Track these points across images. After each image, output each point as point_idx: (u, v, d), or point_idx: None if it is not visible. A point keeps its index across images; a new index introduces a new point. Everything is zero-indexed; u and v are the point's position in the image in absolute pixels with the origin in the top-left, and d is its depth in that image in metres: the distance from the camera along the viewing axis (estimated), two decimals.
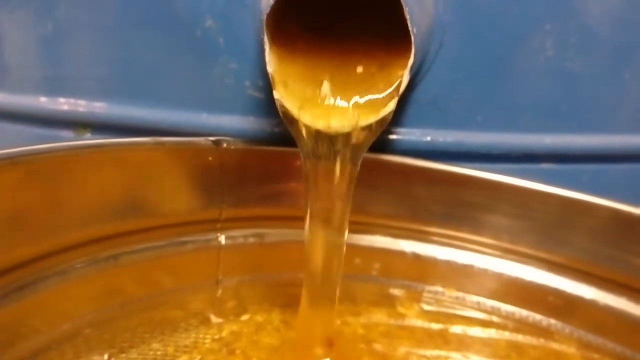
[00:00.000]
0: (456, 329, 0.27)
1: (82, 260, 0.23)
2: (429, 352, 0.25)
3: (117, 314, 0.24)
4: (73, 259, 0.22)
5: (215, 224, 0.26)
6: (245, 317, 0.26)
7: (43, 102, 0.28)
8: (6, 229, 0.20)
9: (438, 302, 0.28)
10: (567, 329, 0.26)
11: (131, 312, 0.24)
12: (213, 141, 0.25)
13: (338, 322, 0.24)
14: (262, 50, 0.20)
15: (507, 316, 0.27)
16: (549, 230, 0.26)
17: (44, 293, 0.21)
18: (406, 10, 0.19)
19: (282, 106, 0.20)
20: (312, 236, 0.22)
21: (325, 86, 0.21)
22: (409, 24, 0.19)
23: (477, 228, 0.27)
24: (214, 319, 0.26)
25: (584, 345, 0.26)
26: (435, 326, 0.27)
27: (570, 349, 0.26)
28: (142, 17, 0.26)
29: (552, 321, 0.27)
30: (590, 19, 0.27)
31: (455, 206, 0.27)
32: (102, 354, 0.23)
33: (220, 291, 0.27)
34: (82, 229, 0.22)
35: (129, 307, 0.24)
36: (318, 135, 0.21)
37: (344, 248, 0.22)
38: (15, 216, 0.20)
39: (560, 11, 0.26)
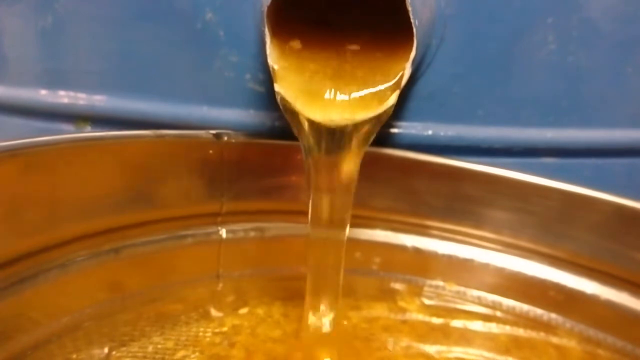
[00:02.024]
0: (457, 323, 0.27)
1: (83, 253, 0.23)
2: (430, 347, 0.25)
3: (117, 308, 0.24)
4: (73, 252, 0.22)
5: (216, 218, 0.26)
6: (246, 311, 0.26)
7: (43, 95, 0.28)
8: (6, 221, 0.20)
9: (439, 296, 0.28)
10: (568, 323, 0.26)
11: (132, 305, 0.24)
12: (214, 134, 0.25)
13: (340, 316, 0.24)
14: (263, 43, 0.20)
15: (508, 311, 0.27)
16: (550, 224, 0.26)
17: (44, 286, 0.21)
18: (408, 2, 0.19)
19: (283, 99, 0.20)
20: (314, 230, 0.22)
21: (327, 79, 0.21)
22: (411, 17, 0.19)
23: (478, 222, 0.27)
24: (215, 312, 0.26)
25: (585, 340, 0.26)
26: (436, 320, 0.27)
27: (571, 343, 0.26)
28: (143, 9, 0.26)
29: (553, 316, 0.27)
30: (593, 13, 0.26)
31: (456, 200, 0.27)
32: (102, 348, 0.23)
33: (220, 285, 0.27)
34: (83, 222, 0.22)
35: (129, 301, 0.24)
36: (319, 129, 0.20)
37: (345, 242, 0.22)
38: (16, 209, 0.20)
39: (562, 5, 0.26)
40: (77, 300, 0.23)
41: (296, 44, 0.21)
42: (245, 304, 0.26)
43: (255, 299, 0.27)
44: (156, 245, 0.25)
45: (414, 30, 0.19)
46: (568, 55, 0.27)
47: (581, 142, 0.28)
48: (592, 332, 0.26)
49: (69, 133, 0.23)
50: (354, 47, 0.22)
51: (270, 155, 0.26)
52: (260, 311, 0.26)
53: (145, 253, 0.25)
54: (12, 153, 0.20)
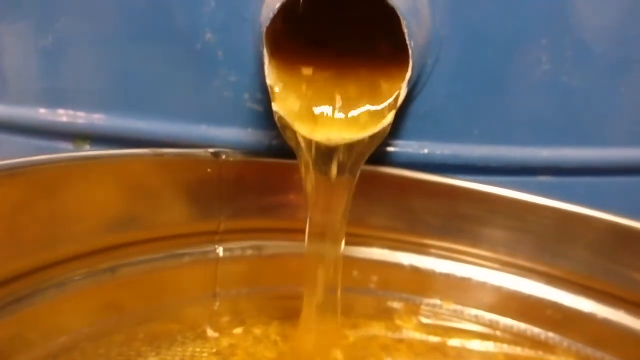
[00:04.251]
0: (454, 342, 0.27)
1: (80, 272, 0.23)
2: None
3: (113, 327, 0.24)
4: (70, 271, 0.22)
5: (213, 236, 0.26)
6: (242, 330, 0.26)
7: (42, 114, 0.28)
8: (4, 240, 0.20)
9: (436, 315, 0.28)
10: (565, 342, 0.26)
11: (128, 325, 0.24)
12: (212, 153, 0.25)
13: (338, 335, 0.24)
14: (261, 63, 0.20)
15: (505, 329, 0.27)
16: (547, 243, 0.26)
17: (41, 305, 0.21)
18: (404, 24, 0.19)
19: (281, 119, 0.20)
20: (311, 248, 0.22)
21: (324, 98, 0.21)
22: (407, 38, 0.19)
23: (474, 241, 0.27)
24: (211, 332, 0.26)
25: (582, 358, 0.26)
26: (434, 339, 0.27)
27: None
28: (142, 29, 0.26)
29: (550, 334, 0.27)
30: (586, 34, 0.27)
31: (453, 219, 0.27)
32: None
33: (217, 304, 0.27)
34: (80, 241, 0.22)
35: (125, 320, 0.24)
36: (316, 148, 0.21)
37: (341, 259, 0.22)
38: (13, 227, 0.20)
39: (556, 26, 0.27)
40: (73, 319, 0.23)
41: (307, 70, 0.21)
42: (242, 324, 0.26)
43: (252, 318, 0.27)
44: (153, 264, 0.25)
45: (410, 51, 0.20)
46: (562, 75, 0.27)
47: (576, 161, 0.28)
48: (589, 350, 0.26)
49: (68, 152, 0.23)
50: (351, 66, 0.22)
51: (267, 174, 0.26)
52: (257, 331, 0.26)
53: (141, 272, 0.24)
54: (11, 172, 0.20)
